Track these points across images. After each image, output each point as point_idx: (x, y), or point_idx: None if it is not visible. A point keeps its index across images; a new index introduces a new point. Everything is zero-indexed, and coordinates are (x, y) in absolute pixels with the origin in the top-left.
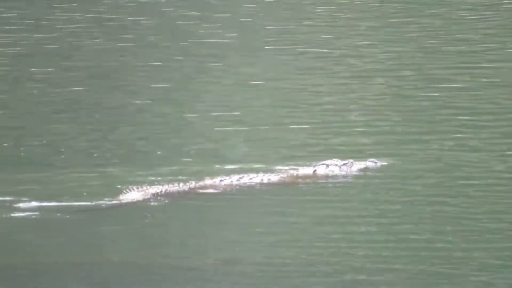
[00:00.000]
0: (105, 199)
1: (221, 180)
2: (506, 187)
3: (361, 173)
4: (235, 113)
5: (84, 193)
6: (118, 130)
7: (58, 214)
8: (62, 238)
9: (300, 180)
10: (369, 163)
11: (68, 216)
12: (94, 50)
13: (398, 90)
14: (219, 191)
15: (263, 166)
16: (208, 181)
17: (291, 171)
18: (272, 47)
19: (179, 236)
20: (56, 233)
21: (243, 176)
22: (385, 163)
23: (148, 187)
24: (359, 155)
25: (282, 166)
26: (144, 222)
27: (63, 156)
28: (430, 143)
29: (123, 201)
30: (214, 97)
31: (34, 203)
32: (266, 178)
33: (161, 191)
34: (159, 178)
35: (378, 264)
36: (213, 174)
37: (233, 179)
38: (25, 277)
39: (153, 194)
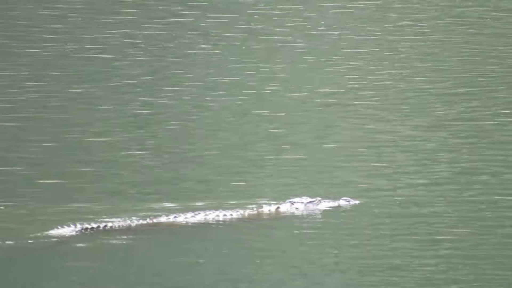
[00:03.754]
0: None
1: (175, 217)
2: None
3: (329, 210)
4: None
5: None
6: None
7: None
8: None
9: (262, 217)
10: (342, 201)
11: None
12: None
13: None
14: (171, 227)
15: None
16: (162, 218)
17: (254, 208)
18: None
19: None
20: None
21: (199, 213)
22: (357, 202)
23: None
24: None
25: (248, 202)
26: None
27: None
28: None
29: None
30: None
31: None
32: (223, 214)
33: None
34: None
35: None
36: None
37: (188, 216)
38: None
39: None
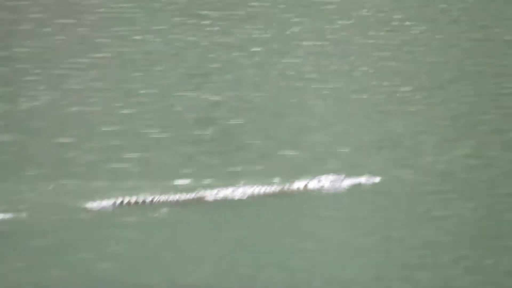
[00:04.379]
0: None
1: (217, 192)
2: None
3: (351, 188)
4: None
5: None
6: None
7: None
8: None
9: (291, 192)
10: (363, 179)
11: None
12: None
13: None
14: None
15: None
16: (204, 193)
17: (285, 184)
18: None
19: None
20: None
21: (239, 188)
22: (378, 180)
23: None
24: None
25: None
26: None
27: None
28: None
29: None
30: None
31: None
32: (258, 190)
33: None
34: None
35: None
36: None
37: (228, 191)
38: None
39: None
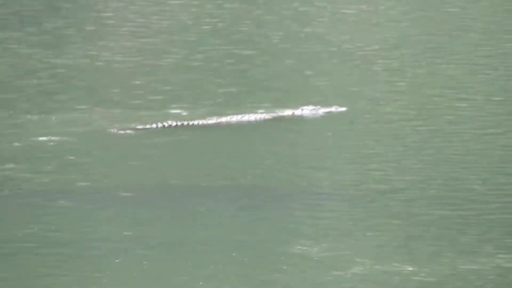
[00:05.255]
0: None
1: (231, 118)
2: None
3: (325, 115)
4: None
5: None
6: None
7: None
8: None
9: (283, 118)
10: (333, 108)
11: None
12: None
13: None
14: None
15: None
16: (211, 121)
17: (278, 112)
18: None
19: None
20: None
21: (245, 115)
22: (344, 109)
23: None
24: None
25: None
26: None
27: None
28: None
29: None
30: None
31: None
32: (258, 117)
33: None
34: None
35: None
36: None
37: (233, 118)
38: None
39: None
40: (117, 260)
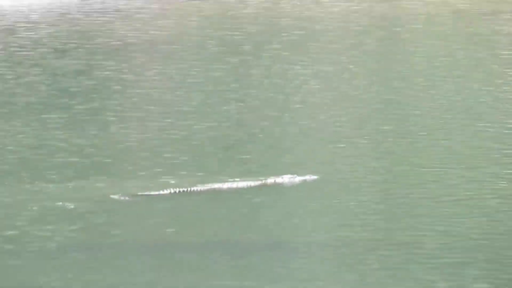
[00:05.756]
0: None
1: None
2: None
3: (302, 182)
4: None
5: None
6: None
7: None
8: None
9: (266, 185)
10: (307, 177)
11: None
12: None
13: None
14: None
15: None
16: (206, 187)
17: (261, 180)
18: None
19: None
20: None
21: (238, 182)
22: (316, 177)
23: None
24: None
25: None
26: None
27: None
28: None
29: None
30: None
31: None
32: (247, 183)
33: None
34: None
35: None
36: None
37: (224, 185)
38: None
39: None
40: None
